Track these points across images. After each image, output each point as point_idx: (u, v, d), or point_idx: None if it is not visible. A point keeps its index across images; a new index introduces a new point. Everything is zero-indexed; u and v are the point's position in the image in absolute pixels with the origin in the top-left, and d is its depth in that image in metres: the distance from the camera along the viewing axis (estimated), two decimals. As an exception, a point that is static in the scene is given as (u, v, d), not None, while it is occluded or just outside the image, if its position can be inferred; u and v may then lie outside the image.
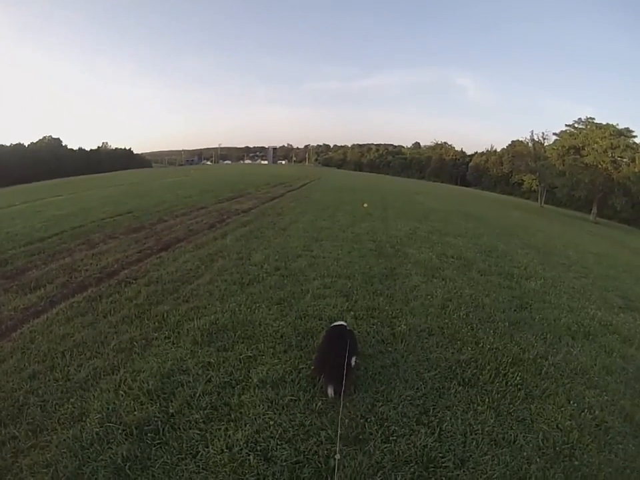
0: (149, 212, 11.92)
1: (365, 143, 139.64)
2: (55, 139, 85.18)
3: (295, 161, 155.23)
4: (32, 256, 7.17)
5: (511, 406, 3.36)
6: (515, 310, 5.53)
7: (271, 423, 2.92)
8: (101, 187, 24.16)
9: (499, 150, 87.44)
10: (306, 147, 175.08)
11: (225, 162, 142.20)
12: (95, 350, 3.93)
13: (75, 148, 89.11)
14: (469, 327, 4.75)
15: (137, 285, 5.68)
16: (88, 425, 2.89)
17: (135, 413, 3.00)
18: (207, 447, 2.69)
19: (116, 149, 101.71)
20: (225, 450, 2.66)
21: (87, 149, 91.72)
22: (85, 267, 6.49)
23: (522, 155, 48.25)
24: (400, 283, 6.14)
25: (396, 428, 2.95)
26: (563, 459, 2.85)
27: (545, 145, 45.70)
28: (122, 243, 8.17)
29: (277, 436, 2.80)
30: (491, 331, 4.68)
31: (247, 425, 2.89)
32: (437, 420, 3.08)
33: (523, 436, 3.02)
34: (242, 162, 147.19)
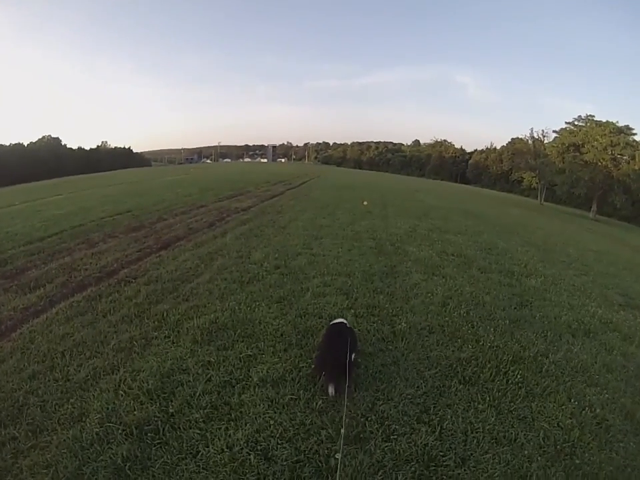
0: (149, 211, 11.90)
1: (364, 140, 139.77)
2: (54, 138, 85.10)
3: (294, 159, 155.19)
4: (31, 255, 7.16)
5: (512, 404, 3.35)
6: (515, 308, 5.52)
7: (271, 422, 2.91)
8: (100, 186, 24.13)
9: (498, 147, 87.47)
10: (305, 144, 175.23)
11: (225, 160, 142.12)
12: (95, 350, 3.92)
13: (75, 147, 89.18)
14: (469, 324, 4.74)
15: (136, 284, 5.67)
16: (88, 425, 2.88)
17: (135, 412, 2.99)
18: (207, 447, 2.68)
19: (115, 147, 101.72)
20: (225, 449, 2.65)
21: (86, 148, 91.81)
22: (84, 267, 6.48)
23: (522, 153, 48.17)
24: (400, 280, 6.13)
25: (396, 426, 2.95)
26: (564, 458, 2.84)
27: (545, 142, 45.64)
28: (121, 242, 8.16)
29: (278, 435, 2.79)
30: (492, 329, 4.67)
31: (247, 424, 2.88)
32: (438, 418, 3.07)
33: (524, 434, 3.01)
34: (241, 160, 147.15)
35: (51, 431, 2.86)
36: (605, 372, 4.11)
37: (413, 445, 2.78)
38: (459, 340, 4.34)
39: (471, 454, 2.77)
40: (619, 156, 38.13)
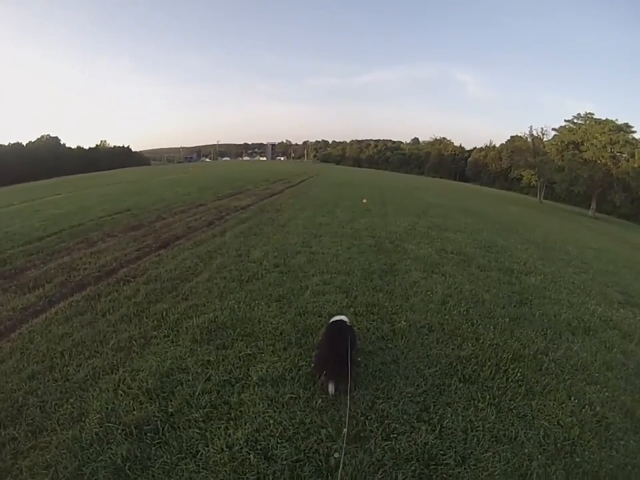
0: (148, 210, 11.88)
1: (363, 138, 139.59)
2: (53, 137, 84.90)
3: (293, 157, 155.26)
4: (30, 255, 7.15)
5: (512, 402, 3.35)
6: (515, 306, 5.52)
7: (271, 421, 2.91)
8: (99, 185, 24.08)
9: (497, 145, 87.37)
10: (305, 143, 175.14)
11: (224, 159, 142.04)
12: (94, 349, 3.91)
13: (74, 146, 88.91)
14: (469, 322, 4.74)
15: (135, 283, 5.67)
16: (87, 425, 2.88)
17: (134, 412, 2.98)
18: (207, 446, 2.68)
19: (114, 147, 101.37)
20: (225, 449, 2.65)
21: (85, 148, 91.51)
22: (83, 266, 6.47)
23: (521, 151, 48.20)
24: (399, 278, 6.13)
25: (396, 425, 2.95)
26: (564, 456, 2.84)
27: (544, 140, 45.70)
28: (120, 241, 8.15)
29: (277, 434, 2.79)
30: (491, 327, 4.67)
31: (247, 424, 2.87)
32: (438, 417, 3.07)
33: (524, 432, 3.01)
34: (241, 159, 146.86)
35: (51, 431, 2.86)
36: (604, 370, 4.11)
37: (413, 444, 2.78)
38: (458, 338, 4.33)
39: (471, 452, 2.76)
40: (618, 154, 38.18)
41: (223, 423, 2.89)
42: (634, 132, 38.59)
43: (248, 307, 4.78)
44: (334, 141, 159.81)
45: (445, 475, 2.56)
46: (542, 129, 45.53)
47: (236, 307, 4.80)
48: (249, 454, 2.61)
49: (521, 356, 4.09)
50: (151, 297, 5.13)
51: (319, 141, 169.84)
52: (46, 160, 70.61)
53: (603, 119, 39.81)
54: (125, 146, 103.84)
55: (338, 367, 3.13)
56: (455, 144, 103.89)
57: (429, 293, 5.58)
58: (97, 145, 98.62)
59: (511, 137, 67.15)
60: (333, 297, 5.16)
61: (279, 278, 5.84)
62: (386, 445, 2.75)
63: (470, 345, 4.21)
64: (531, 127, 46.55)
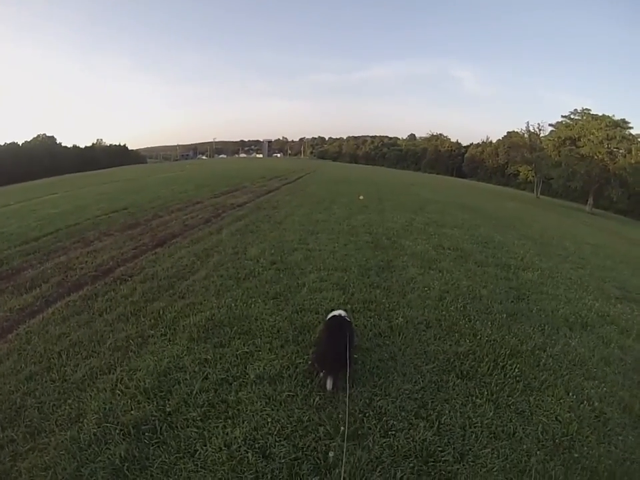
0: (144, 208, 11.83)
1: (360, 135, 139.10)
2: (49, 137, 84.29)
3: (290, 154, 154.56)
4: (27, 255, 7.12)
5: (510, 398, 3.36)
6: (512, 301, 5.53)
7: (269, 419, 2.90)
8: (96, 183, 23.95)
9: (494, 141, 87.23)
10: (301, 139, 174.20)
11: (220, 156, 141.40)
12: (91, 349, 3.90)
13: (70, 145, 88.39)
14: (466, 318, 4.74)
15: (132, 282, 5.65)
16: (85, 425, 2.87)
17: (132, 412, 2.98)
18: (205, 445, 2.67)
19: (110, 145, 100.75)
20: (223, 448, 2.64)
21: (81, 146, 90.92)
22: (80, 265, 6.45)
23: (518, 146, 48.14)
24: (397, 275, 6.13)
25: (394, 422, 2.95)
26: (563, 451, 2.85)
27: (541, 135, 45.70)
28: (117, 240, 8.11)
29: (275, 432, 2.79)
30: (489, 323, 4.68)
31: (245, 422, 2.87)
32: (436, 413, 3.08)
33: (522, 428, 3.02)
34: (237, 156, 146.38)
35: (49, 432, 2.85)
36: (602, 365, 4.12)
37: (411, 441, 2.78)
38: (456, 334, 4.34)
39: (470, 449, 2.77)
40: (615, 149, 38.24)
41: (220, 422, 2.88)
42: (631, 128, 38.67)
43: (245, 305, 4.78)
44: (330, 138, 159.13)
45: (443, 472, 2.56)
46: (539, 124, 45.58)
47: (233, 304, 4.78)
48: (247, 452, 2.60)
49: (518, 352, 4.10)
50: (148, 296, 5.12)
51: (316, 138, 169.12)
52: (42, 159, 70.09)
53: (600, 114, 39.85)
54: (122, 144, 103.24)
55: (337, 363, 3.13)
56: (451, 140, 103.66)
57: (426, 289, 5.58)
58: (93, 144, 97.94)
59: (508, 132, 67.08)
60: (330, 294, 5.16)
61: (275, 275, 5.82)
62: (384, 442, 2.75)
63: (467, 341, 4.21)
64: (527, 122, 46.56)
